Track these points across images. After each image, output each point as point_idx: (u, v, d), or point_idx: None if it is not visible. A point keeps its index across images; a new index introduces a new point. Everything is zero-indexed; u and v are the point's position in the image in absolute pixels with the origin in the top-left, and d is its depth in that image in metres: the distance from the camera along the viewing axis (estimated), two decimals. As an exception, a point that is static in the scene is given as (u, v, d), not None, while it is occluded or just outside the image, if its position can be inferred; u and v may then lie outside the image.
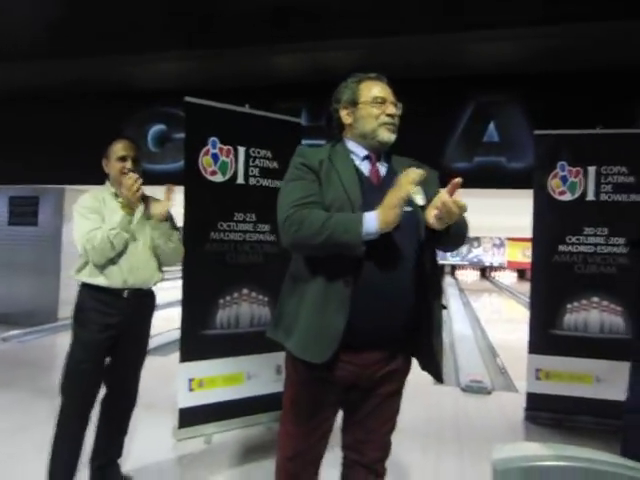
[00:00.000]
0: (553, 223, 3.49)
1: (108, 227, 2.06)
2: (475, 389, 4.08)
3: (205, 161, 2.95)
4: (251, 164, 3.11)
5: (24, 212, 6.44)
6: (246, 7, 4.25)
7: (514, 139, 4.35)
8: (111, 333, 2.12)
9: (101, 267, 2.11)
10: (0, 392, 3.72)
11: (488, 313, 10.62)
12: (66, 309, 6.30)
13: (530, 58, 4.05)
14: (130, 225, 2.12)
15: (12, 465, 2.60)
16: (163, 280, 2.32)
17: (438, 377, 1.55)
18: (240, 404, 3.07)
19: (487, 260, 17.92)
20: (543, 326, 3.50)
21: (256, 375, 3.12)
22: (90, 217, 2.11)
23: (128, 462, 2.45)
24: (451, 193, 1.33)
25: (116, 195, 2.20)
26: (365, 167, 1.55)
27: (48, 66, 5.01)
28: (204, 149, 2.95)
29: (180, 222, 3.01)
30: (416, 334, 1.51)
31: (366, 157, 1.56)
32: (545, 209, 3.51)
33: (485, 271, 18.43)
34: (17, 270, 6.44)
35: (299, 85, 4.74)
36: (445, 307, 1.78)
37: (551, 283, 3.49)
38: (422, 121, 4.50)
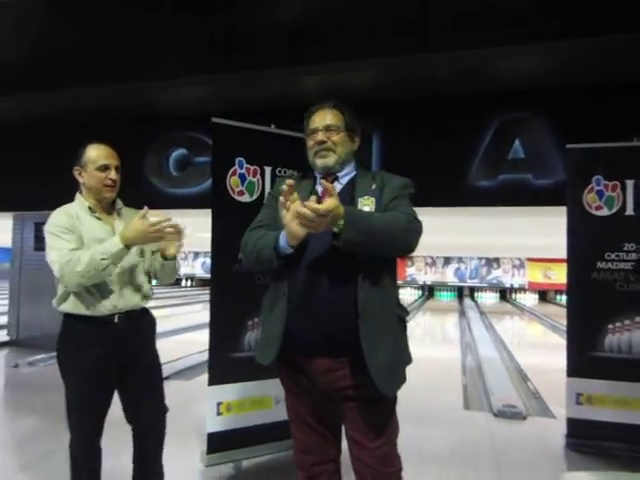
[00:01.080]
0: (590, 240, 3.36)
1: (99, 254, 1.78)
2: (509, 414, 3.89)
3: (233, 181, 2.92)
4: (278, 183, 3.06)
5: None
6: (266, 27, 4.29)
7: (540, 155, 4.26)
8: (107, 366, 1.91)
9: (85, 293, 1.87)
10: (30, 418, 3.70)
11: (512, 336, 10.37)
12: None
13: (554, 72, 3.98)
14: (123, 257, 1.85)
15: None
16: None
17: (381, 389, 1.54)
18: (269, 429, 2.97)
19: (507, 282, 17.60)
20: (582, 348, 3.34)
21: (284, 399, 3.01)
22: (65, 237, 1.85)
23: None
24: (322, 199, 1.42)
25: (91, 210, 1.96)
26: (319, 188, 1.69)
27: (69, 93, 5.09)
28: (231, 169, 2.93)
29: (207, 244, 2.99)
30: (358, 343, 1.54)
31: (322, 178, 1.70)
32: (580, 225, 3.38)
33: (505, 293, 18.09)
34: (42, 295, 6.44)
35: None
36: (405, 320, 1.69)
37: (590, 302, 3.34)
38: (445, 139, 4.46)
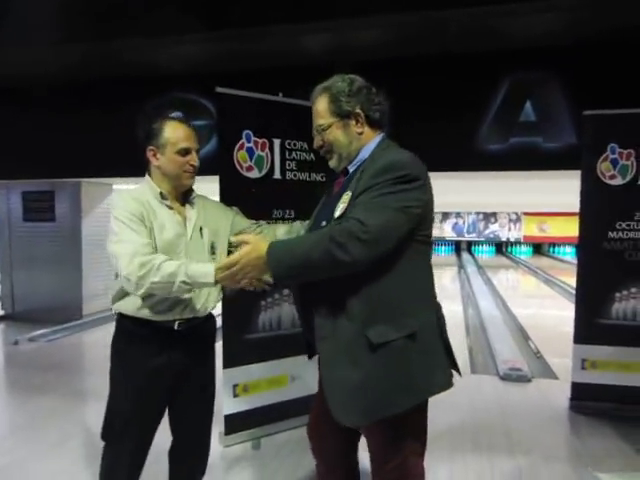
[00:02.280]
0: (602, 209, 3.34)
1: (183, 275, 1.51)
2: (515, 377, 3.99)
3: (240, 156, 2.82)
4: (287, 157, 2.97)
5: (40, 207, 6.26)
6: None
7: (552, 118, 4.16)
8: (163, 378, 1.72)
9: (150, 295, 1.62)
10: (35, 398, 3.66)
11: (510, 290, 10.54)
12: (90, 305, 6.30)
13: (570, 29, 3.82)
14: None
15: None
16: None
17: (339, 420, 1.43)
18: (285, 407, 3.02)
19: (503, 235, 17.74)
20: (589, 315, 3.39)
21: (300, 377, 3.05)
22: (136, 228, 1.59)
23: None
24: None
25: (162, 196, 1.71)
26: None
27: (56, 51, 4.83)
28: (239, 143, 2.81)
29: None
30: None
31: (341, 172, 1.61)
32: (594, 193, 3.34)
33: (501, 246, 18.28)
34: (37, 267, 6.30)
35: (329, 67, 4.55)
36: (387, 344, 1.37)
37: (599, 271, 3.36)
38: (455, 100, 4.32)
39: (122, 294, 1.68)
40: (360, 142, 1.54)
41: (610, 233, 3.31)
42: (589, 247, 3.39)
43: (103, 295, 6.43)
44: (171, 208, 1.73)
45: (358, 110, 1.52)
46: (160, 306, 1.65)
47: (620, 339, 3.33)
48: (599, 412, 3.31)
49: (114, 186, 6.68)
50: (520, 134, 4.25)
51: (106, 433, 1.76)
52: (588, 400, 3.39)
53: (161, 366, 1.69)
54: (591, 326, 3.38)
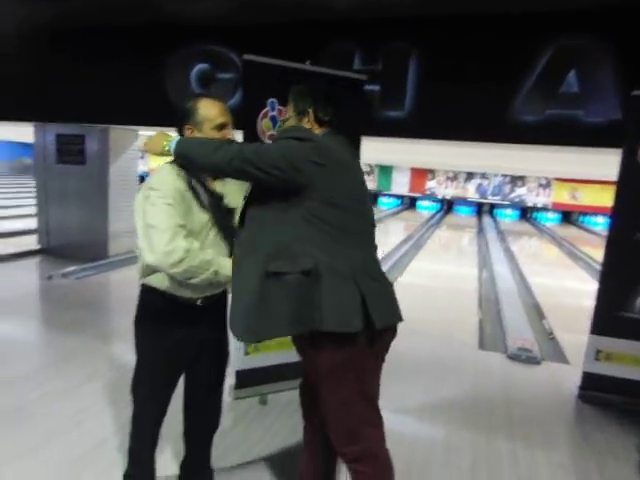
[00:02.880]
0: (639, 197, 3.17)
1: (215, 265, 1.69)
2: (523, 358, 3.98)
3: (265, 124, 2.76)
4: (312, 125, 2.88)
5: (71, 150, 6.51)
6: None
7: (596, 91, 3.89)
8: (185, 349, 1.86)
9: None
10: (65, 336, 3.88)
11: (529, 259, 10.41)
12: (115, 245, 6.68)
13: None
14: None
15: (86, 416, 2.75)
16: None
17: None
18: (292, 367, 3.09)
19: (530, 200, 17.28)
20: (610, 307, 3.31)
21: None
22: (177, 207, 1.66)
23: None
24: None
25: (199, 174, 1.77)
26: None
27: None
28: (263, 111, 2.75)
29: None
30: None
31: None
32: (632, 180, 3.17)
33: (526, 212, 17.86)
34: (69, 205, 6.67)
35: (351, 22, 4.34)
36: (281, 274, 1.59)
37: (628, 263, 3.23)
38: (491, 66, 4.09)
39: (153, 269, 1.74)
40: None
41: (644, 225, 3.16)
42: (620, 237, 3.26)
43: (126, 236, 6.77)
44: (204, 183, 1.80)
45: (308, 109, 1.80)
46: (190, 284, 1.73)
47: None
48: (608, 404, 3.30)
49: (140, 132, 6.85)
50: (559, 106, 4.02)
51: (134, 393, 1.94)
52: (598, 391, 3.37)
53: (184, 338, 1.83)
54: (611, 318, 3.30)
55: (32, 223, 7.33)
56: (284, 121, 1.87)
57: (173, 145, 1.69)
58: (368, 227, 1.74)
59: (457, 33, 4.14)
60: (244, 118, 2.71)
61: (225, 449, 2.37)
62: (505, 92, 4.10)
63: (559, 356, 4.23)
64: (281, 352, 3.09)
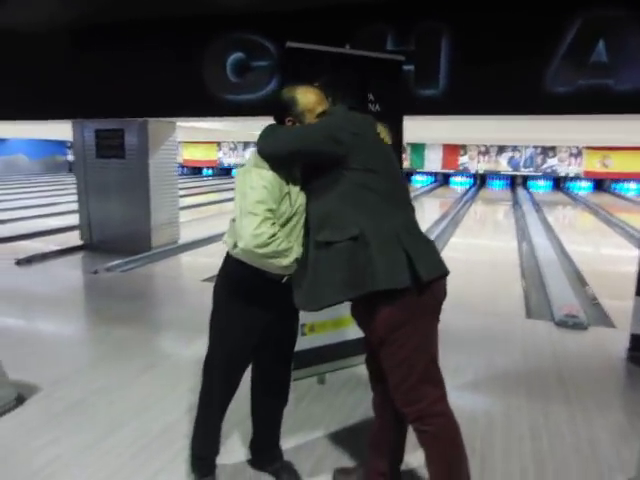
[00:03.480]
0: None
1: (295, 253, 1.77)
2: (571, 324, 4.05)
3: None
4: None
5: (111, 145, 6.62)
6: None
7: (626, 60, 3.92)
8: (264, 322, 1.94)
9: None
10: (117, 328, 3.95)
11: (566, 228, 10.31)
12: (157, 237, 6.74)
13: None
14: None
15: (149, 404, 2.82)
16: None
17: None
18: (349, 346, 3.21)
19: (562, 171, 16.98)
20: (656, 268, 3.37)
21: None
22: (273, 192, 1.74)
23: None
24: None
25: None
26: None
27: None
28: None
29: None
30: None
31: None
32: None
33: (559, 182, 17.56)
34: (110, 200, 6.76)
35: (382, 4, 4.39)
36: (332, 243, 1.72)
37: None
38: (521, 38, 4.11)
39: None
40: None
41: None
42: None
43: (168, 228, 6.91)
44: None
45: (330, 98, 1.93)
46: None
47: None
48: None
49: (178, 123, 6.94)
50: (590, 76, 4.05)
51: (209, 369, 2.03)
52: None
53: (265, 312, 1.91)
54: (656, 279, 3.37)
55: (71, 220, 7.38)
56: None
57: None
58: (404, 189, 1.87)
59: (487, 9, 4.16)
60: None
61: (289, 429, 2.41)
62: (537, 65, 4.13)
63: (605, 320, 4.29)
64: (336, 331, 3.17)
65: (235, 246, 1.78)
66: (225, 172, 21.64)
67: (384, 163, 1.79)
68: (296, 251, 1.78)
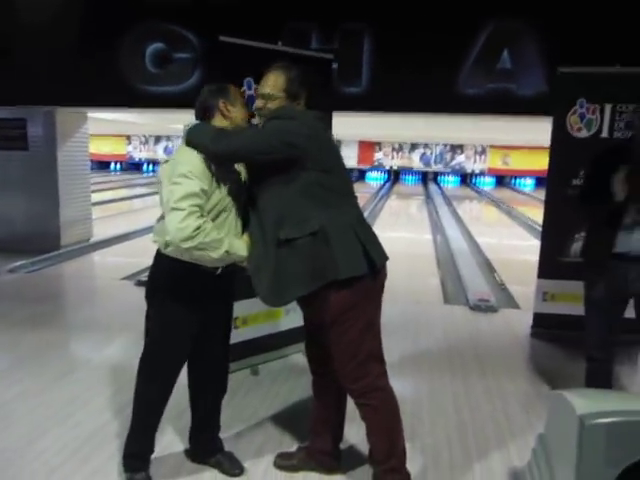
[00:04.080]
0: (569, 158, 3.60)
1: (225, 246, 1.80)
2: (483, 308, 4.44)
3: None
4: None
5: (10, 136, 6.06)
6: None
7: (526, 68, 4.37)
8: (202, 315, 1.98)
9: None
10: (30, 331, 3.70)
11: (474, 220, 11.06)
12: (68, 236, 6.29)
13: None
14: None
15: (72, 410, 2.67)
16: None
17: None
18: (281, 337, 3.30)
19: (469, 167, 18.21)
20: (552, 254, 3.77)
21: (294, 309, 3.28)
22: (198, 185, 1.77)
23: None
24: None
25: None
26: None
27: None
28: (240, 91, 2.87)
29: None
30: None
31: None
32: (562, 144, 3.63)
33: (466, 178, 18.79)
34: (12, 196, 6.19)
35: (307, 2, 4.51)
36: (290, 240, 1.80)
37: (563, 215, 3.64)
38: (435, 46, 4.41)
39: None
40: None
41: (574, 180, 3.61)
42: (556, 192, 3.71)
43: (80, 225, 6.48)
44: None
45: (303, 96, 1.92)
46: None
47: (575, 274, 3.71)
48: (555, 338, 3.75)
49: (89, 114, 6.55)
50: (496, 80, 4.44)
51: (145, 368, 2.01)
52: (546, 328, 3.84)
53: (203, 304, 1.95)
54: (553, 263, 3.77)
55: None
56: (266, 99, 1.89)
57: (185, 132, 1.87)
58: (350, 183, 2.01)
59: (407, 14, 4.41)
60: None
61: (227, 420, 2.41)
62: (451, 69, 4.46)
63: (512, 303, 4.75)
64: (268, 323, 3.25)
65: (167, 245, 1.80)
66: (135, 167, 20.70)
67: (336, 160, 1.91)
68: (228, 243, 1.81)
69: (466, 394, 2.96)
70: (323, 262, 1.75)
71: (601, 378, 2.51)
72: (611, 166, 2.30)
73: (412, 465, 2.05)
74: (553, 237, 3.79)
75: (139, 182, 15.53)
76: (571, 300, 3.76)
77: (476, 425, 2.62)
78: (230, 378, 2.94)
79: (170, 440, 2.40)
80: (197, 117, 2.00)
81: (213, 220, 1.83)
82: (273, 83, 1.89)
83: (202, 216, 1.77)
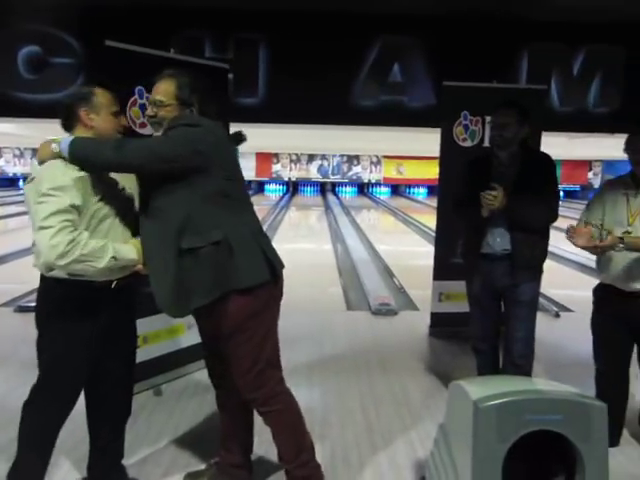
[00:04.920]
0: (456, 167, 3.84)
1: (110, 252, 1.70)
2: (384, 312, 4.61)
3: (134, 112, 2.79)
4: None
5: None
6: None
7: (415, 81, 4.62)
8: (98, 335, 1.84)
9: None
10: None
11: (372, 228, 11.52)
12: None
13: (438, 3, 4.22)
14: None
15: None
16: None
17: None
18: (183, 354, 3.19)
19: (365, 177, 18.97)
20: (446, 256, 4.02)
21: (195, 324, 3.21)
22: (65, 200, 1.65)
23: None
24: None
25: None
26: None
27: None
28: (131, 100, 2.78)
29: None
30: None
31: None
32: (450, 153, 3.90)
33: (363, 187, 19.55)
34: None
35: (200, 11, 4.44)
36: (194, 249, 1.75)
37: (453, 220, 3.88)
38: (330, 59, 4.55)
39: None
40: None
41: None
42: (446, 199, 3.95)
43: None
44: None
45: (195, 102, 1.87)
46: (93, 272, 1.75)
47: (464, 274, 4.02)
48: (452, 335, 3.97)
49: None
50: (389, 93, 4.68)
51: (38, 398, 1.85)
52: (443, 327, 4.07)
53: (99, 321, 1.83)
54: (447, 265, 4.01)
55: None
56: (159, 105, 1.83)
57: (65, 146, 1.70)
58: (249, 194, 2.04)
59: (302, 26, 4.51)
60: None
61: (130, 444, 2.26)
62: (345, 81, 4.61)
63: (411, 305, 5.01)
64: (170, 340, 3.13)
65: (48, 267, 1.69)
66: (9, 183, 18.95)
67: (237, 168, 1.90)
68: (113, 249, 1.70)
69: (371, 394, 3.06)
70: (226, 271, 1.74)
71: (488, 367, 2.75)
72: (475, 176, 2.58)
73: (323, 468, 2.07)
74: (445, 241, 4.04)
75: (14, 200, 14.11)
76: (463, 299, 3.93)
77: (382, 423, 2.72)
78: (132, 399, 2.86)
79: (64, 475, 2.20)
80: (63, 128, 1.87)
81: (94, 229, 1.74)
82: (164, 90, 1.84)
83: (75, 230, 1.66)
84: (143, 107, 2.81)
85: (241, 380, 1.87)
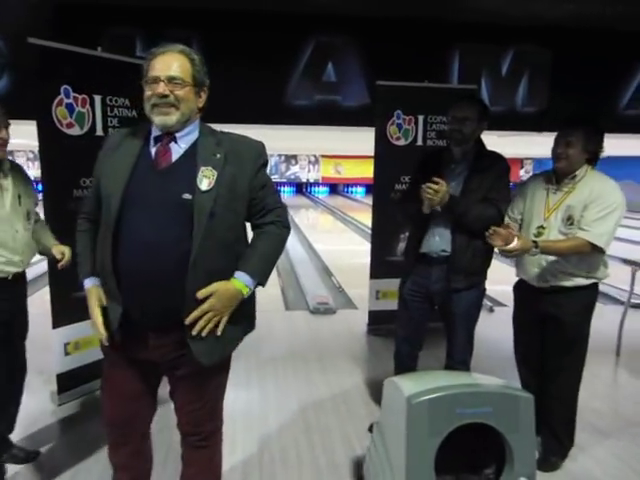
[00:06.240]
0: (391, 165, 3.97)
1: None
2: (322, 310, 4.65)
3: (60, 112, 2.67)
4: (109, 114, 2.90)
5: None
6: None
7: (349, 81, 4.67)
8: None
9: None
10: None
11: (311, 228, 11.57)
12: None
13: (371, 3, 4.29)
14: None
15: None
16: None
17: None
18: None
19: (303, 177, 19.02)
20: (382, 255, 4.11)
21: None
22: None
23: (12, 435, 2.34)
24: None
25: None
26: (153, 150, 1.50)
27: None
28: (57, 99, 2.65)
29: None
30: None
31: (156, 138, 1.50)
32: (384, 152, 3.98)
33: (302, 187, 19.60)
34: None
35: (129, 8, 4.28)
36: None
37: (389, 218, 3.99)
38: (264, 58, 4.52)
39: None
40: (194, 116, 1.53)
41: (397, 185, 3.98)
42: (381, 197, 4.06)
43: None
44: None
45: (206, 87, 1.56)
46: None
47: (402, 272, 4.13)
48: (389, 332, 3.98)
49: None
50: (323, 92, 4.71)
51: None
52: (380, 324, 4.14)
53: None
54: (383, 263, 4.10)
55: None
56: (175, 82, 1.45)
57: (252, 283, 1.60)
58: None
59: (233, 23, 4.45)
60: (38, 106, 2.60)
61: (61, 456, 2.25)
62: (279, 80, 4.59)
63: (349, 304, 5.07)
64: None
65: None
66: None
67: None
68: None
69: (310, 393, 3.08)
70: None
71: (403, 370, 2.58)
72: (424, 171, 2.44)
73: (262, 471, 2.06)
74: (381, 239, 4.12)
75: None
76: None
77: (320, 421, 2.74)
78: (62, 410, 2.79)
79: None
80: None
81: None
82: (181, 67, 1.47)
83: None
84: (70, 106, 2.72)
85: (200, 414, 1.66)
